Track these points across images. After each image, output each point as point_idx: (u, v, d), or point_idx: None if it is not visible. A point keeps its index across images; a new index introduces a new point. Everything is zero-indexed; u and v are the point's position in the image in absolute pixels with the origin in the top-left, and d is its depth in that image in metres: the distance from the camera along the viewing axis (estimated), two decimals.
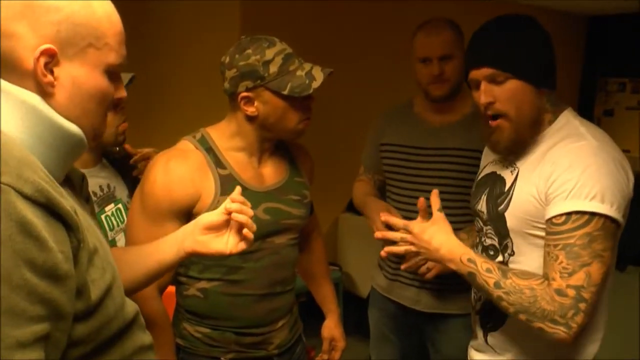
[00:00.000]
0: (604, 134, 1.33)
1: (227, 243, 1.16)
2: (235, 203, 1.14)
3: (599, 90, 6.22)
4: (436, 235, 1.35)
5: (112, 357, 0.90)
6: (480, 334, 1.48)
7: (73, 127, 0.89)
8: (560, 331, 1.18)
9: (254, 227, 1.16)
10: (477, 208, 1.49)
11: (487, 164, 1.53)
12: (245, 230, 1.15)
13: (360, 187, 2.11)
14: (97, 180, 1.70)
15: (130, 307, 0.96)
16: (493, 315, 1.42)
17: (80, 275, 0.80)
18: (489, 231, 1.43)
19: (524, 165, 1.36)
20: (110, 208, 1.73)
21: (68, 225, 0.78)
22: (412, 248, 1.38)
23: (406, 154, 1.96)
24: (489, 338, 1.45)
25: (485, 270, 1.26)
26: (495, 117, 1.34)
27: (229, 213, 1.14)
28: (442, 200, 1.74)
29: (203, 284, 1.50)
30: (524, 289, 1.21)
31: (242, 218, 1.13)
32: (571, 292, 1.17)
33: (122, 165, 1.85)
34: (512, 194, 1.36)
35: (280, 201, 1.53)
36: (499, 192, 1.41)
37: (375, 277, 2.11)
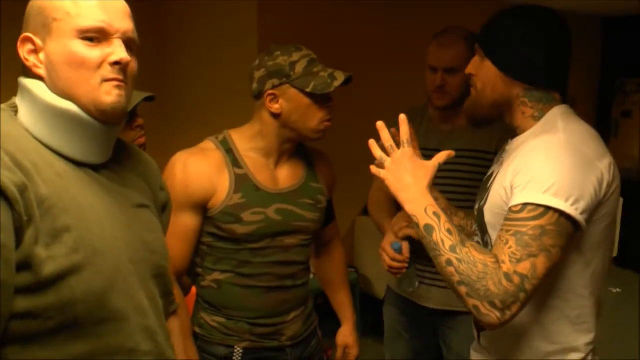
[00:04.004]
0: (586, 132, 1.30)
1: None
2: None
3: (617, 91, 6.17)
4: (413, 173, 1.28)
5: (88, 344, 0.92)
6: (475, 334, 1.50)
7: (63, 103, 0.96)
8: (493, 315, 1.15)
9: None
10: (475, 208, 1.50)
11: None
12: None
13: (375, 196, 2.12)
14: None
15: (125, 303, 0.97)
16: None
17: (26, 248, 0.85)
18: (476, 229, 1.46)
19: (505, 162, 1.36)
20: None
21: (8, 199, 0.83)
22: (381, 173, 1.31)
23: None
24: (481, 338, 1.47)
25: (446, 230, 1.21)
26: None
27: None
28: (452, 200, 1.77)
29: (217, 275, 1.58)
30: (478, 262, 1.17)
31: None
32: (516, 279, 1.15)
33: None
34: (490, 188, 1.37)
35: (293, 203, 1.59)
36: (482, 188, 1.45)
37: (391, 277, 2.13)
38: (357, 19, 3.94)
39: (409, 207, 1.26)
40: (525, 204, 1.19)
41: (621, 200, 5.25)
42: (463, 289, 1.18)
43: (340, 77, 1.50)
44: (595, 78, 6.25)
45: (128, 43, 1.00)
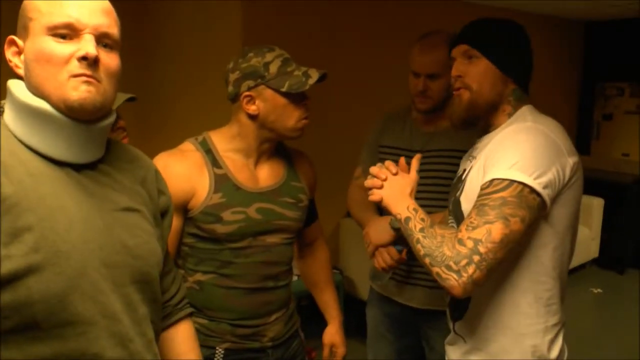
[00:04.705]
0: (553, 125, 1.39)
1: None
2: None
3: (598, 95, 6.26)
4: (399, 185, 1.42)
5: (50, 346, 0.92)
6: (450, 325, 1.55)
7: (36, 101, 0.96)
8: (452, 278, 1.23)
9: None
10: (448, 206, 1.57)
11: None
12: None
13: (355, 194, 2.14)
14: None
15: (91, 307, 0.95)
16: (458, 305, 1.49)
17: None
18: (451, 222, 1.52)
19: (478, 155, 1.45)
20: None
21: None
22: (378, 183, 1.43)
23: (402, 156, 2.00)
24: (456, 327, 1.52)
25: (420, 218, 1.33)
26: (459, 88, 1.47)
27: None
28: (433, 199, 1.83)
29: (199, 276, 1.58)
30: (438, 235, 1.28)
31: None
32: (469, 243, 1.23)
33: None
34: (466, 179, 1.46)
35: (273, 202, 1.60)
36: (457, 181, 1.54)
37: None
38: (342, 19, 3.95)
39: (395, 208, 1.39)
40: (492, 180, 1.29)
41: (602, 201, 5.38)
42: (427, 260, 1.28)
43: (314, 75, 1.50)
44: (577, 81, 6.33)
45: (102, 38, 0.99)
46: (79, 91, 0.95)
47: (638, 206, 5.27)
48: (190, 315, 1.33)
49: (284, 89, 1.49)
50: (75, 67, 0.95)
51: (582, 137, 6.38)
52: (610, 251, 5.36)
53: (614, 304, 4.71)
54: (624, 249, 5.29)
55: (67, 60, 0.95)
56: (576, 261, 5.15)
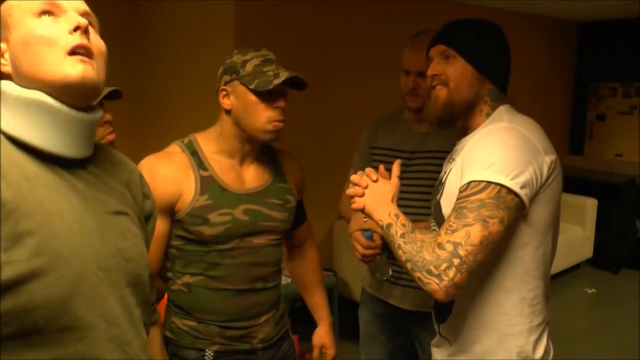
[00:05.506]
0: (528, 122, 1.40)
1: None
2: None
3: (591, 95, 6.28)
4: (380, 192, 1.41)
5: (50, 351, 0.91)
6: (436, 328, 1.54)
7: (29, 92, 0.95)
8: (433, 282, 1.23)
9: None
10: (431, 210, 1.56)
11: None
12: None
13: (347, 196, 2.14)
14: None
15: (90, 311, 0.95)
16: (442, 308, 1.49)
17: None
18: (433, 226, 1.52)
19: (457, 158, 1.45)
20: None
21: None
22: (359, 191, 1.43)
23: (394, 158, 2.00)
24: (441, 330, 1.51)
25: (401, 224, 1.33)
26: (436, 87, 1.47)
27: None
28: (426, 200, 1.79)
29: (187, 279, 1.58)
30: (418, 240, 1.28)
31: None
32: (449, 247, 1.23)
33: None
34: (446, 181, 1.46)
35: (260, 204, 1.60)
36: (438, 184, 1.54)
37: (366, 278, 2.16)
38: (336, 21, 3.95)
39: (376, 215, 1.39)
40: (469, 182, 1.29)
41: (596, 202, 5.39)
42: (409, 265, 1.28)
43: (282, 75, 1.50)
44: (571, 81, 6.35)
45: (84, 16, 0.99)
46: (76, 68, 0.95)
47: (631, 206, 5.29)
48: (156, 322, 1.33)
49: (252, 86, 1.50)
50: (69, 40, 0.95)
51: (575, 138, 6.40)
52: (605, 251, 5.38)
53: (608, 303, 4.72)
54: (618, 249, 5.31)
55: (59, 38, 0.95)
56: (570, 261, 5.16)
